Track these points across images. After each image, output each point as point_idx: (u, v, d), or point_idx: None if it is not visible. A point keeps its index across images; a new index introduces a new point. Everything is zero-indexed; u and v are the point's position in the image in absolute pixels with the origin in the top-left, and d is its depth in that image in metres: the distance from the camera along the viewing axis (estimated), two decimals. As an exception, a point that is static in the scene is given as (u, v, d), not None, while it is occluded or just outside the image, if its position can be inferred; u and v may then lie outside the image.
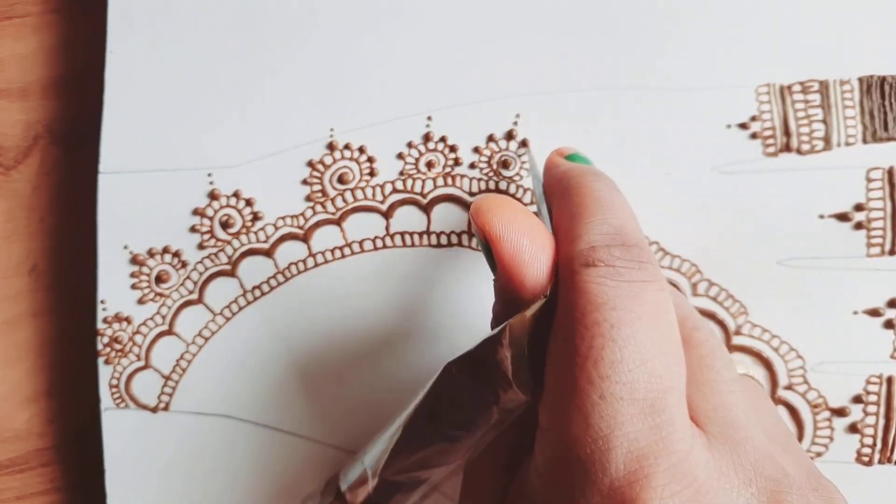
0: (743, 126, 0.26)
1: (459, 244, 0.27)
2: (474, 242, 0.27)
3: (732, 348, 0.26)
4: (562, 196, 0.20)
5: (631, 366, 0.16)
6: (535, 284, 0.18)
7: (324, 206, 0.27)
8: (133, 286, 0.27)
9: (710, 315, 0.26)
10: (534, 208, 0.27)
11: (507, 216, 0.19)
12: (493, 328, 0.21)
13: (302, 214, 0.27)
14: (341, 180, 0.27)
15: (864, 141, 0.26)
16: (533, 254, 0.18)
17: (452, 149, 0.27)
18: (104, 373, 0.28)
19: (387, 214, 0.27)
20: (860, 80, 0.26)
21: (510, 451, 0.20)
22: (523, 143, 0.26)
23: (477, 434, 0.19)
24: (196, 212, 0.27)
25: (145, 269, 0.27)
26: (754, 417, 0.18)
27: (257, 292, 0.27)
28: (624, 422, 0.16)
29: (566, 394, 0.17)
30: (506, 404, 0.18)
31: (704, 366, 0.18)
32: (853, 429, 0.26)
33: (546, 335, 0.18)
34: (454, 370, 0.19)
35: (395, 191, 0.27)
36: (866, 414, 0.26)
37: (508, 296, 0.19)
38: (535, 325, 0.18)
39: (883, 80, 0.26)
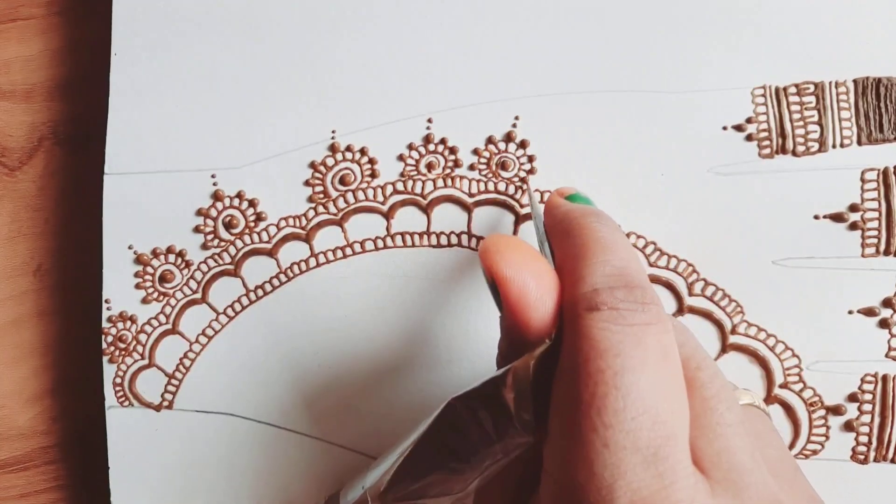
0: (738, 128, 0.26)
1: (459, 244, 0.27)
2: (473, 243, 0.27)
3: (728, 347, 0.26)
4: (563, 237, 0.20)
5: (634, 413, 0.16)
6: (540, 327, 0.18)
7: (325, 207, 0.27)
8: (137, 286, 0.28)
9: (707, 314, 0.26)
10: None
11: (515, 257, 0.19)
12: (497, 363, 0.21)
13: (304, 215, 0.27)
14: (343, 181, 0.27)
15: (859, 142, 0.26)
16: (539, 296, 0.18)
17: (452, 150, 0.27)
18: (108, 371, 0.28)
19: (387, 215, 0.27)
20: (855, 81, 0.26)
21: (518, 486, 0.20)
22: (524, 181, 0.26)
23: (479, 468, 0.19)
24: (200, 212, 0.27)
25: (149, 269, 0.28)
26: (759, 457, 0.18)
27: (260, 292, 0.27)
28: (627, 471, 0.16)
29: (570, 440, 0.17)
30: (508, 443, 0.19)
31: (708, 408, 0.18)
32: (849, 427, 0.26)
33: (551, 377, 0.18)
34: (458, 406, 0.19)
35: (395, 192, 0.27)
36: (861, 412, 0.26)
37: (514, 335, 0.19)
38: (539, 368, 0.18)
39: (878, 81, 0.26)
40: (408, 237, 0.27)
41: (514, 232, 0.27)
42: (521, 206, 0.27)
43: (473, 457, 0.19)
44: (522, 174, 0.27)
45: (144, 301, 0.28)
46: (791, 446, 0.26)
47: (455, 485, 0.20)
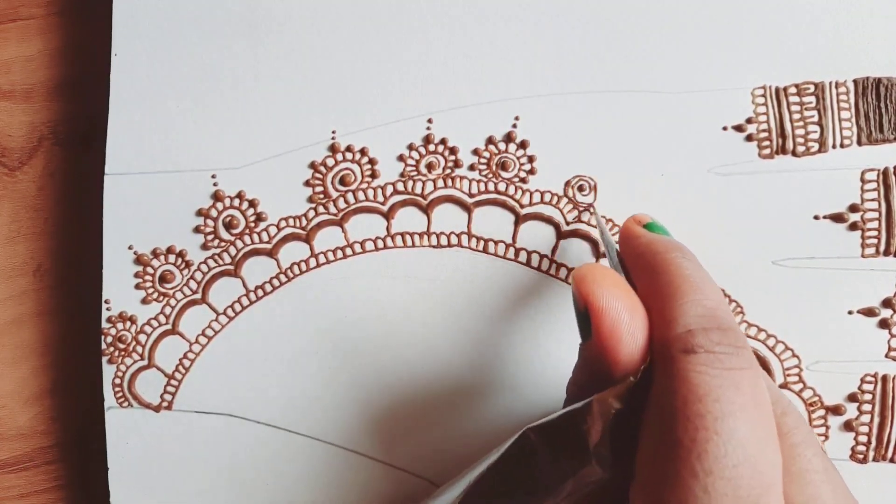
0: (738, 128, 0.26)
1: (459, 245, 0.27)
2: (473, 243, 0.27)
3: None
4: (649, 273, 0.20)
5: (735, 461, 0.16)
6: (628, 361, 0.18)
7: (326, 208, 0.27)
8: (137, 286, 0.28)
9: (707, 314, 0.26)
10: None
11: (611, 289, 0.19)
12: (568, 391, 0.21)
13: (304, 215, 0.27)
14: (343, 182, 0.27)
15: (860, 143, 0.26)
16: (631, 330, 0.18)
17: (452, 151, 0.27)
18: (107, 372, 0.28)
19: (388, 215, 0.27)
20: (855, 82, 0.26)
21: None
22: (589, 207, 0.26)
23: (549, 503, 0.19)
24: (200, 213, 0.27)
25: (149, 270, 0.28)
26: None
27: (260, 292, 0.27)
28: None
29: (666, 483, 0.17)
30: (581, 478, 0.18)
31: (797, 454, 0.18)
32: (848, 427, 0.26)
33: (633, 414, 0.18)
34: (533, 437, 0.19)
35: (395, 192, 0.27)
36: (861, 412, 0.26)
37: (597, 367, 0.19)
38: (623, 403, 0.18)
39: (878, 81, 0.26)
40: (408, 237, 0.27)
41: (515, 233, 0.27)
42: (522, 206, 0.27)
43: (544, 491, 0.19)
44: (522, 174, 0.27)
45: (144, 301, 0.28)
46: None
47: None
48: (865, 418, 0.26)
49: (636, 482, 0.18)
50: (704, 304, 0.18)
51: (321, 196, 0.27)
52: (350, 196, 0.27)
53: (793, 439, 0.18)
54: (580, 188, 0.26)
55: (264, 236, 0.27)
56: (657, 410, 0.17)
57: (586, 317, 0.19)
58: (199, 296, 0.28)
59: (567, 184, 0.27)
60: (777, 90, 0.26)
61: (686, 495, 0.16)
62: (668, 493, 0.16)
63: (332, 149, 0.27)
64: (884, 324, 0.26)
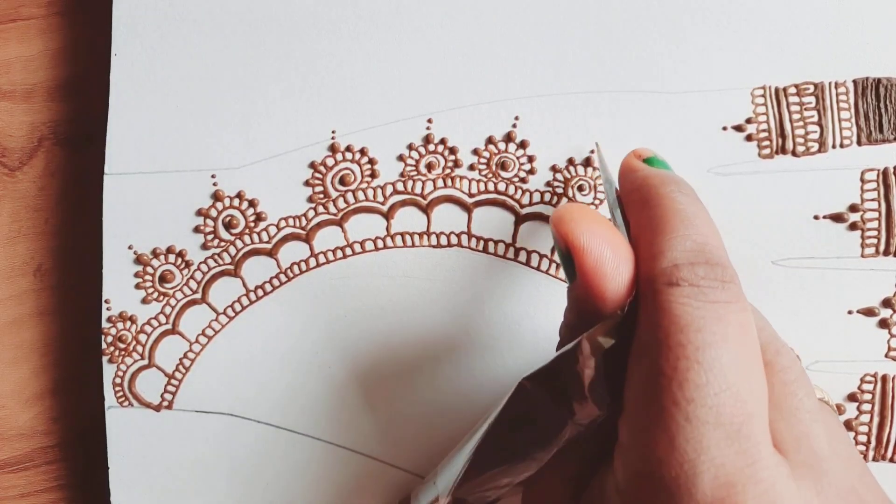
0: (738, 128, 0.26)
1: (459, 244, 0.27)
2: (473, 243, 0.27)
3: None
4: (641, 206, 0.20)
5: (716, 389, 0.16)
6: (615, 297, 0.18)
7: (325, 207, 0.27)
8: (137, 286, 0.28)
9: (707, 314, 0.26)
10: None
11: (591, 226, 0.18)
12: (561, 334, 0.21)
13: (304, 215, 0.27)
14: (343, 182, 0.27)
15: (859, 143, 0.26)
16: (615, 266, 0.18)
17: (452, 151, 0.27)
18: (108, 371, 0.28)
19: (387, 215, 0.27)
20: (855, 82, 0.26)
21: (580, 464, 0.20)
22: (596, 148, 0.26)
23: (551, 450, 0.19)
24: (200, 212, 0.28)
25: (149, 269, 0.28)
26: (834, 447, 0.18)
27: (260, 292, 0.28)
28: (710, 446, 0.16)
29: (650, 414, 0.17)
30: (581, 419, 0.18)
31: (788, 392, 0.18)
32: (847, 426, 0.26)
33: (623, 349, 0.18)
34: (529, 386, 0.19)
35: (395, 192, 0.27)
36: (861, 412, 0.26)
37: (585, 306, 0.19)
38: (614, 338, 0.18)
39: (878, 82, 0.26)
40: (408, 237, 0.27)
41: (514, 233, 0.27)
42: (521, 206, 0.27)
43: (547, 439, 0.19)
44: (522, 174, 0.27)
45: (144, 301, 0.28)
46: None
47: (523, 472, 0.19)
48: (865, 418, 0.26)
49: (624, 414, 0.18)
50: (693, 239, 0.18)
51: (321, 196, 0.27)
52: (350, 196, 0.27)
53: (785, 377, 0.18)
54: (580, 188, 0.27)
55: (264, 236, 0.27)
56: (642, 343, 0.18)
57: (569, 257, 0.19)
58: (199, 295, 0.28)
59: (566, 182, 0.27)
60: (777, 90, 0.26)
61: (669, 423, 0.16)
62: (653, 423, 0.17)
63: (332, 149, 0.27)
64: (883, 324, 0.26)
